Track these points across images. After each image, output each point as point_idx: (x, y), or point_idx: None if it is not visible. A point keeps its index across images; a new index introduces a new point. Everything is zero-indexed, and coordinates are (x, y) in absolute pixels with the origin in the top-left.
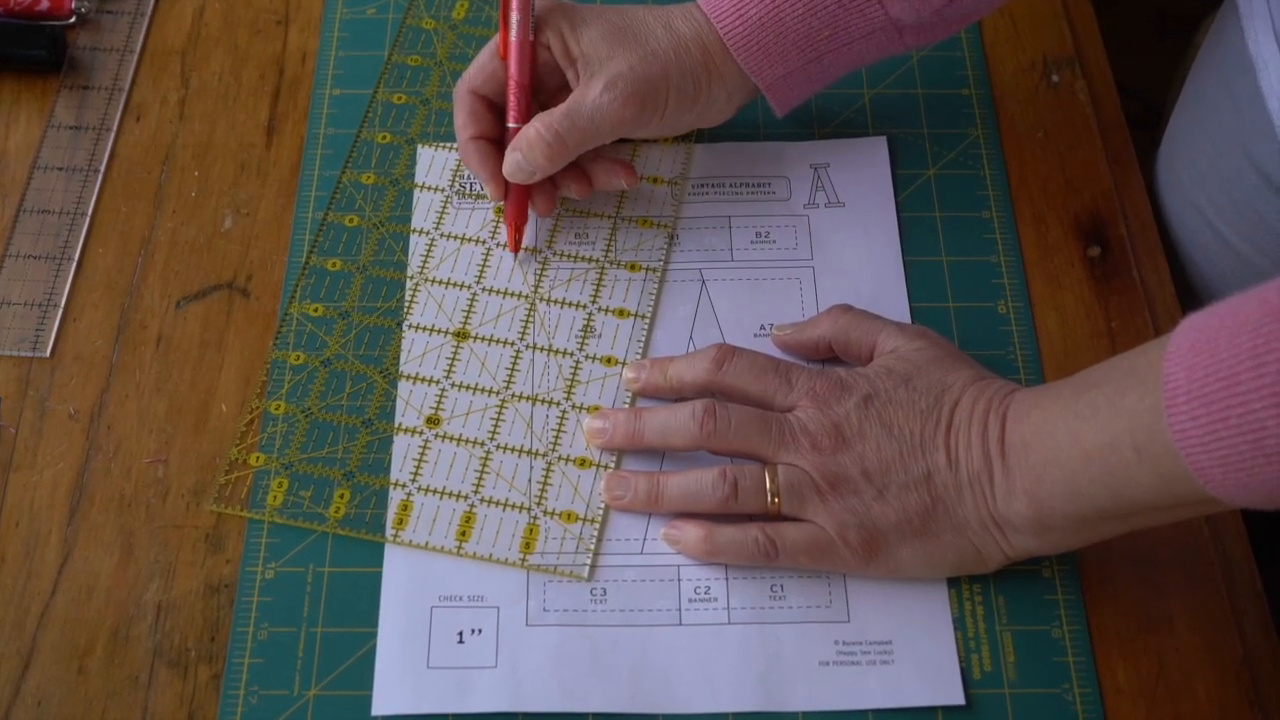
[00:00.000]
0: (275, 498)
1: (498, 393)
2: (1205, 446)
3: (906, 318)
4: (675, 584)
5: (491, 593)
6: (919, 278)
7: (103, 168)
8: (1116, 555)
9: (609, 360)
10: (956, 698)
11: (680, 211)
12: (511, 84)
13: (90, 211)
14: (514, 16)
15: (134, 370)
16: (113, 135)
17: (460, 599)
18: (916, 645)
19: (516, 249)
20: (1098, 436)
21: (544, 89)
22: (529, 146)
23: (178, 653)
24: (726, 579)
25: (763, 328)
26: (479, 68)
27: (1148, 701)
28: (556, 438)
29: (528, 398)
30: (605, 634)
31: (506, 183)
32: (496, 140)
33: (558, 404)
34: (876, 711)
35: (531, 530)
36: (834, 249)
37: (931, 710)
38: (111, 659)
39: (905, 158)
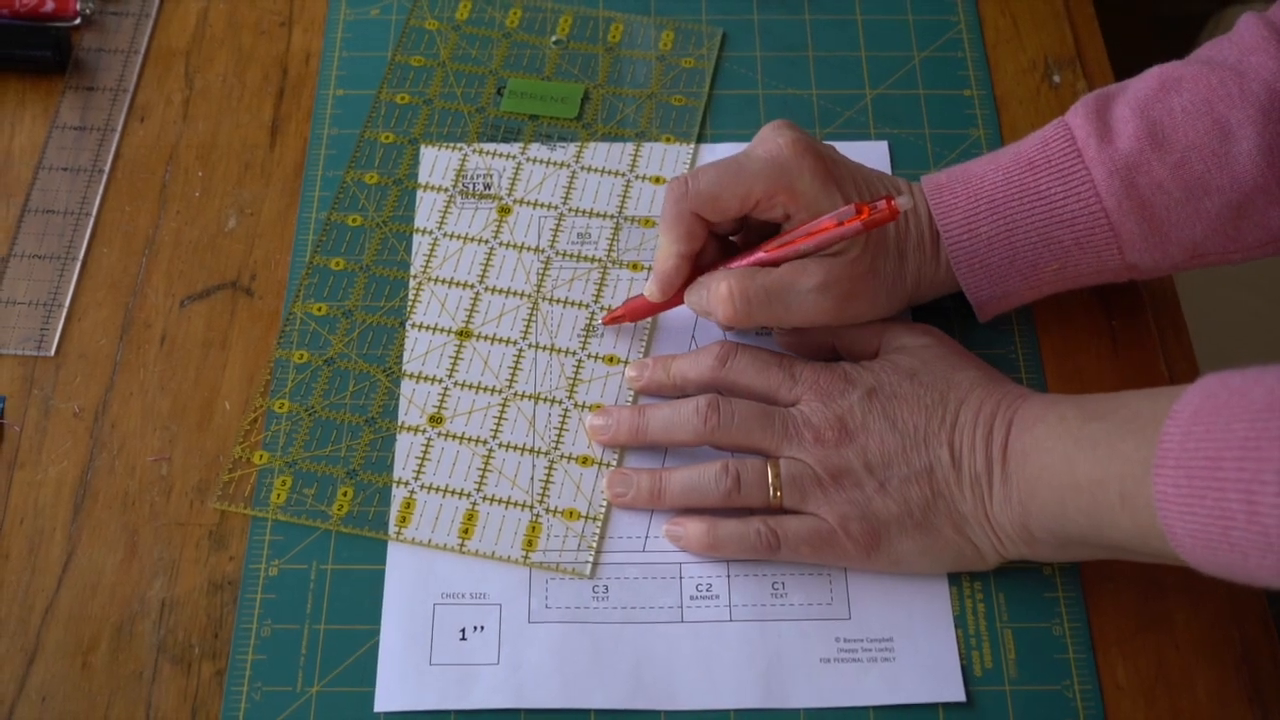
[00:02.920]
0: (279, 495)
1: (500, 391)
2: (1180, 515)
3: (908, 318)
4: (677, 581)
5: (494, 590)
6: None
7: (107, 168)
8: None
9: (611, 359)
10: (957, 694)
11: None
12: (749, 259)
13: (95, 211)
14: (804, 247)
15: (138, 369)
16: (117, 135)
17: (462, 596)
18: (917, 643)
19: (610, 324)
20: (1091, 471)
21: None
22: (715, 301)
23: (181, 649)
24: (728, 576)
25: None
26: (711, 198)
27: (1147, 698)
28: (559, 436)
29: (530, 396)
30: (607, 631)
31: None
32: (697, 255)
33: (560, 402)
34: (877, 708)
35: (534, 528)
36: None
37: (933, 707)
38: (115, 655)
39: (907, 158)
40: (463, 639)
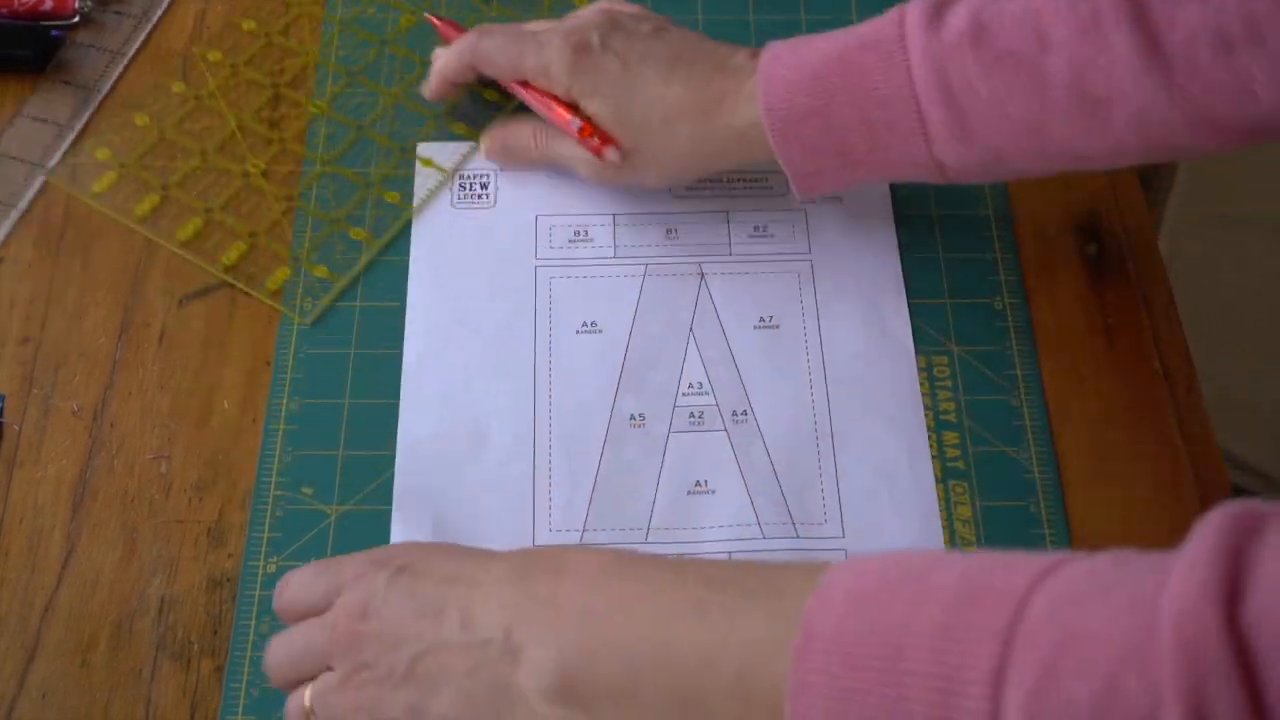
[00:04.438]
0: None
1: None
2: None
3: (904, 312)
4: None
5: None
6: (916, 273)
7: (53, 162)
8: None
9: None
10: None
11: (678, 205)
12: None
13: (24, 206)
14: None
15: (137, 368)
16: (74, 133)
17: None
18: None
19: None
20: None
21: None
22: (506, 133)
23: (180, 646)
24: None
25: (761, 320)
26: (488, 60)
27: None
28: None
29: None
30: None
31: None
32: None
33: None
34: None
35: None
36: (832, 243)
37: None
38: (115, 652)
39: None
40: None
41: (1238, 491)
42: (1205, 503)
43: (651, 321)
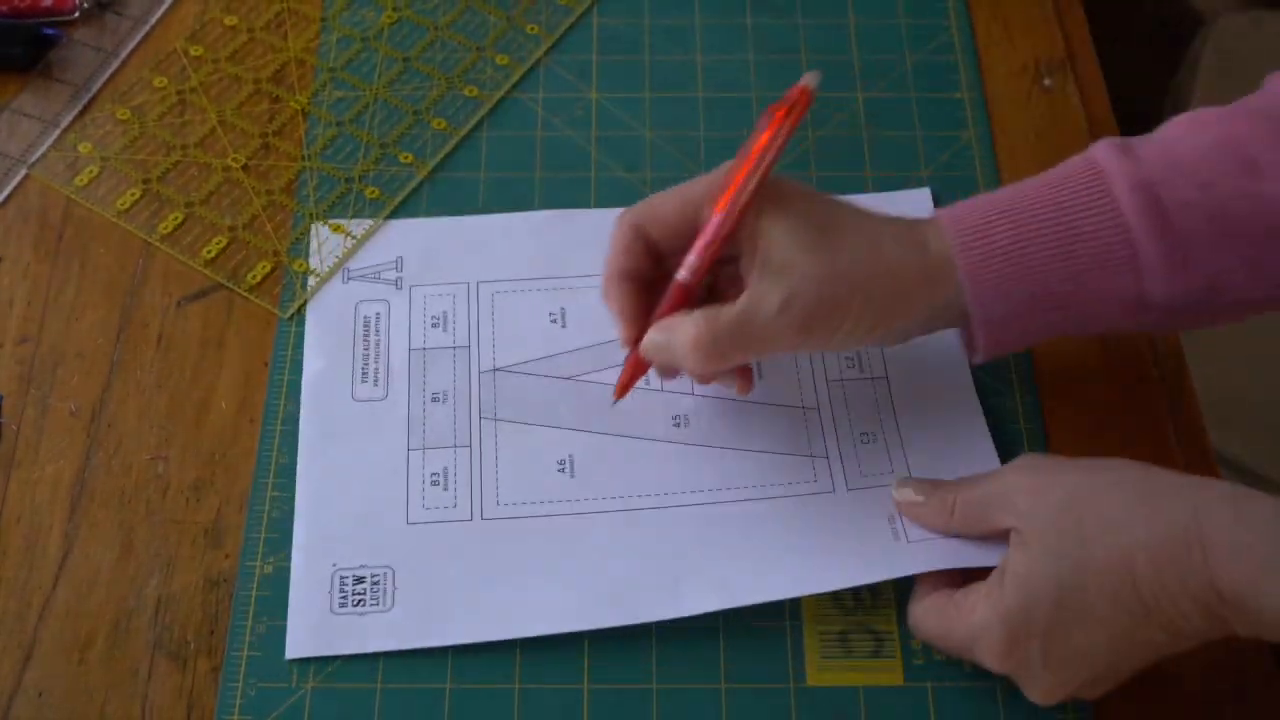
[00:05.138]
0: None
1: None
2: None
3: None
4: None
5: None
6: None
7: (35, 158)
8: None
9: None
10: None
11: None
12: (708, 236)
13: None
14: (751, 178)
15: (135, 369)
16: (59, 130)
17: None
18: None
19: (620, 396)
20: None
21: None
22: (682, 349)
23: (177, 645)
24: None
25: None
26: (651, 206)
27: (1132, 694)
28: None
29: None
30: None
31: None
32: (644, 284)
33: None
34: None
35: None
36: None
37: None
38: (112, 652)
39: (899, 160)
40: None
41: None
42: None
43: None
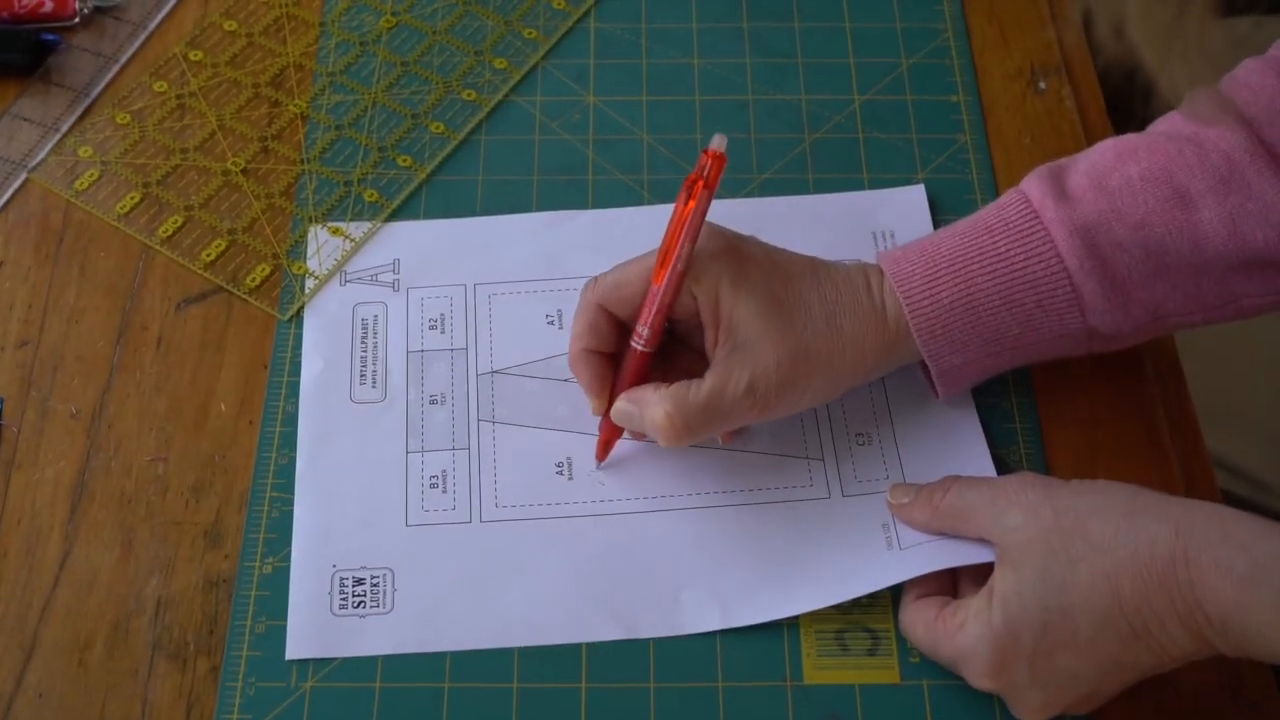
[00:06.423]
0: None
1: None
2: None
3: None
4: None
5: None
6: None
7: (35, 161)
8: None
9: None
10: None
11: None
12: (653, 305)
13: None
14: (682, 248)
15: (134, 371)
16: (59, 134)
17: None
18: None
19: (603, 459)
20: None
21: (674, 326)
22: (652, 426)
23: (177, 646)
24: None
25: None
26: (614, 285)
27: (1132, 694)
28: None
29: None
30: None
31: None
32: (612, 355)
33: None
34: None
35: None
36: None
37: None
38: (112, 652)
39: (895, 162)
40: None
41: (1226, 495)
42: None
43: None
